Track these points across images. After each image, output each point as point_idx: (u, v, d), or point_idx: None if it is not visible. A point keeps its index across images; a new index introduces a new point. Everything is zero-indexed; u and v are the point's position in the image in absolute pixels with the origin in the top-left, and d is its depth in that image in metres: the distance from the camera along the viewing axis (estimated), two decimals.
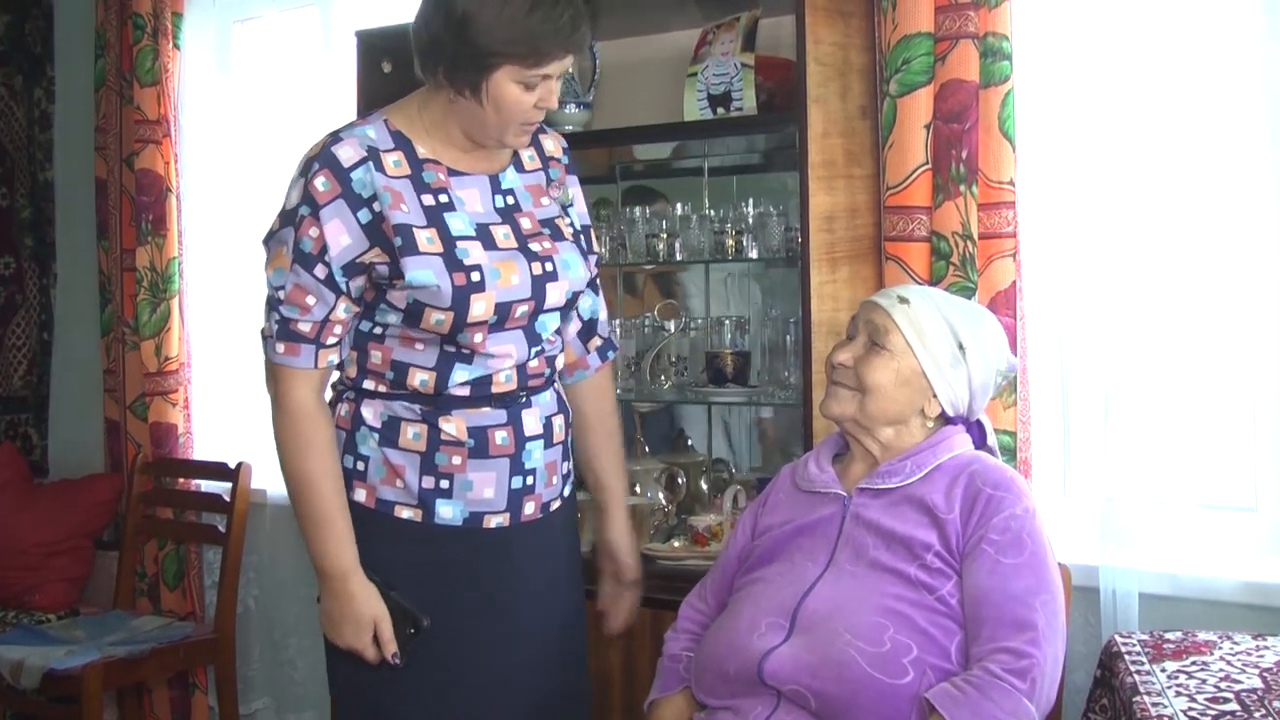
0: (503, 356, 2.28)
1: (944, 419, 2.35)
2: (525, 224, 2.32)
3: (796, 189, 2.87)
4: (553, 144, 2.46)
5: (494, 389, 2.30)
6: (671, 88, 3.29)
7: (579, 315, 2.50)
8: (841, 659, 2.11)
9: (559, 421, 2.41)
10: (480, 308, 2.21)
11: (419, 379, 2.27)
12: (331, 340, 2.25)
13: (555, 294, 2.31)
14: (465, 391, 2.28)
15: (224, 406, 4.33)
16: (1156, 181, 2.83)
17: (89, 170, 4.52)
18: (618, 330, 3.33)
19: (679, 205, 3.34)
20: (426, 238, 2.21)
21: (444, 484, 2.29)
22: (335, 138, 2.24)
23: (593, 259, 2.45)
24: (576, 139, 3.34)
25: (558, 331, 2.41)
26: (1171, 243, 2.85)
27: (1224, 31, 2.80)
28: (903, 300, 2.33)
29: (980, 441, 2.40)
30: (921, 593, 2.18)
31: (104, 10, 4.37)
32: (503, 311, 2.24)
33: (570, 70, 3.29)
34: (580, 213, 2.48)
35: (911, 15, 2.86)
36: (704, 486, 3.38)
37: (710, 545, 3.02)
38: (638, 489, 3.25)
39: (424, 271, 2.19)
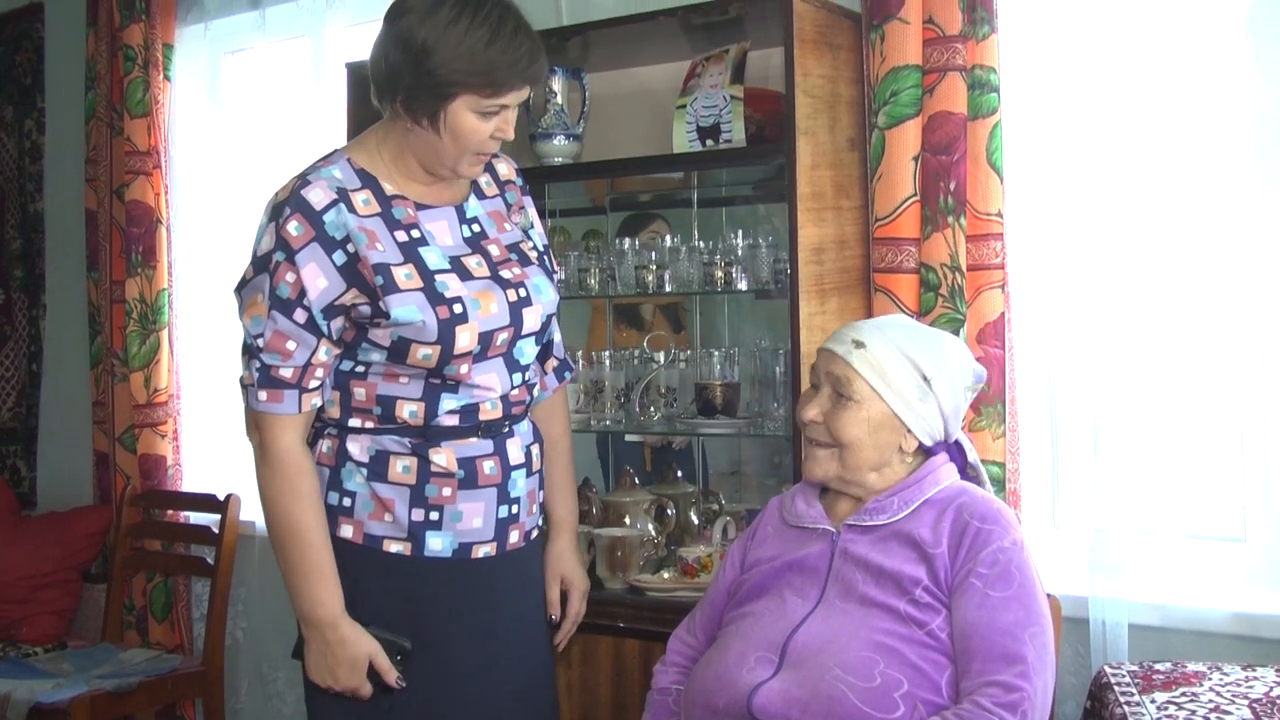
0: (488, 386, 2.29)
1: (923, 449, 2.35)
2: (494, 251, 2.35)
3: (785, 221, 2.88)
4: (505, 167, 2.48)
5: (481, 417, 2.31)
6: (660, 120, 3.30)
7: None
8: (832, 694, 2.10)
9: (536, 450, 2.44)
10: (465, 339, 2.22)
11: (408, 410, 2.27)
12: (314, 384, 2.23)
13: (531, 319, 2.33)
14: (454, 421, 2.29)
15: (213, 438, 4.32)
16: (1143, 212, 2.84)
17: (79, 201, 4.52)
18: (607, 362, 3.34)
19: (668, 237, 3.34)
20: (405, 274, 2.21)
21: (434, 516, 2.29)
22: (303, 180, 2.23)
23: (556, 278, 2.47)
24: (566, 170, 3.36)
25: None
26: (1159, 274, 2.86)
27: (1211, 62, 2.82)
28: (858, 344, 2.31)
29: (960, 460, 2.40)
30: (911, 627, 2.17)
31: (95, 42, 4.38)
32: (485, 341, 2.25)
33: (560, 102, 3.32)
34: (540, 234, 2.51)
35: (899, 48, 2.87)
36: (694, 518, 3.37)
37: (700, 577, 3.02)
38: (627, 520, 3.24)
39: (408, 308, 2.19)
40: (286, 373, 2.21)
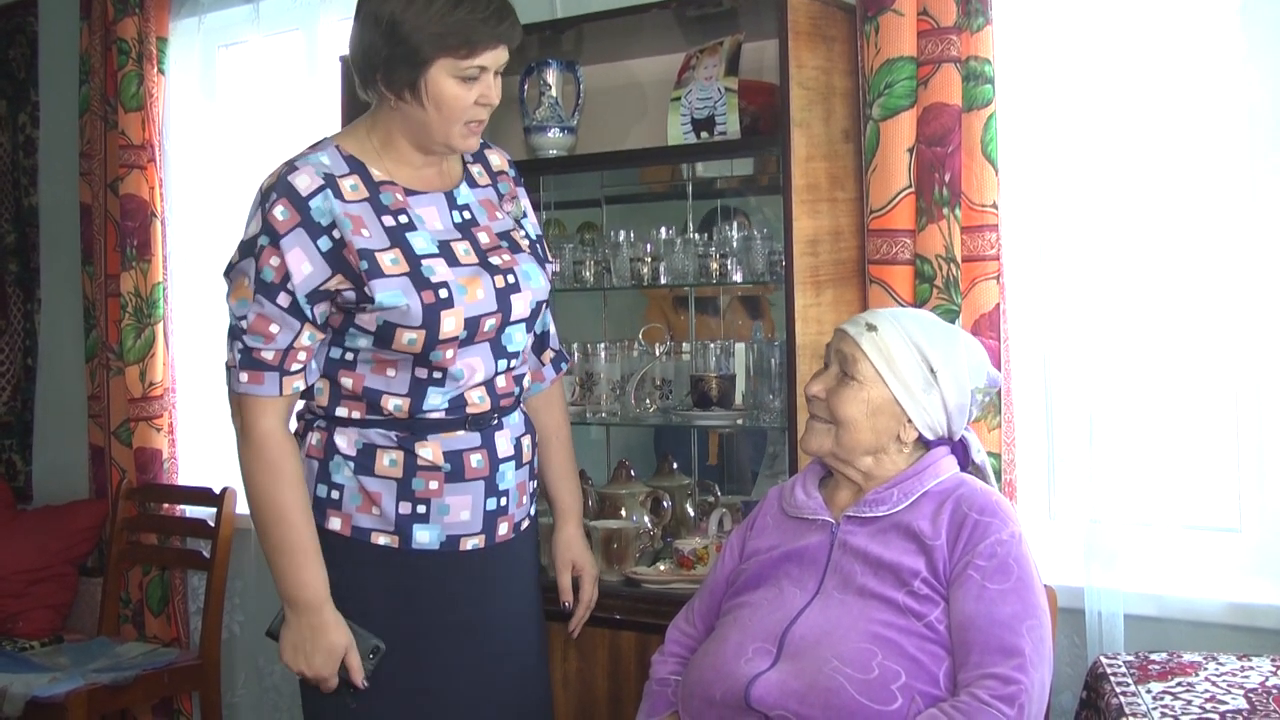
0: (471, 372, 2.29)
1: (923, 443, 2.35)
2: (483, 238, 2.35)
3: (780, 213, 2.88)
4: (498, 159, 2.51)
5: (469, 409, 2.31)
6: (655, 112, 3.30)
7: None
8: (829, 685, 2.11)
9: (527, 442, 2.45)
10: (451, 324, 2.23)
11: (393, 404, 2.28)
12: (295, 367, 2.25)
13: (520, 305, 2.33)
14: (441, 414, 2.29)
15: (208, 432, 4.31)
16: (1139, 203, 2.84)
17: (73, 195, 4.51)
18: (601, 354, 3.34)
19: (663, 229, 3.34)
20: (390, 259, 2.22)
21: (421, 509, 2.30)
22: (291, 167, 2.25)
23: (549, 268, 2.47)
24: (561, 163, 3.36)
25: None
26: (1154, 264, 2.87)
27: (1205, 55, 2.82)
28: (870, 327, 2.32)
29: (965, 459, 2.40)
30: (910, 619, 2.17)
31: (88, 36, 4.37)
32: (472, 326, 2.26)
33: (555, 94, 3.31)
34: (533, 223, 2.51)
35: (894, 39, 2.87)
36: (689, 510, 3.38)
37: (696, 569, 3.02)
38: (623, 512, 3.25)
39: (392, 292, 2.19)
40: (268, 355, 2.23)
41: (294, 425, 2.36)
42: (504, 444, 2.37)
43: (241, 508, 3.98)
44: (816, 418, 2.36)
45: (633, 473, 3.36)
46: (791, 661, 2.17)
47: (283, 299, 2.21)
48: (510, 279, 2.32)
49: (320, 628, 2.26)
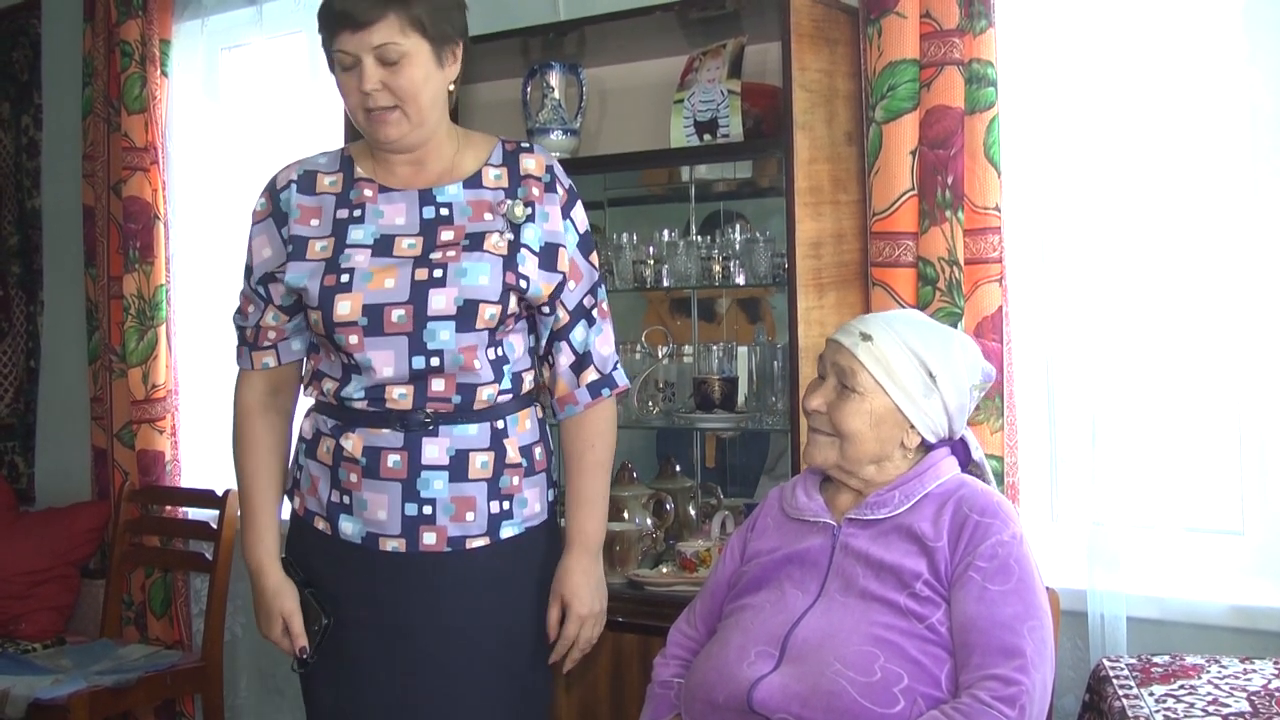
0: (380, 363, 2.26)
1: (925, 445, 2.35)
2: (446, 236, 2.30)
3: (783, 215, 2.88)
4: (533, 163, 2.38)
5: (389, 406, 2.28)
6: (658, 114, 3.30)
7: (572, 347, 2.39)
8: (832, 689, 2.11)
9: (483, 458, 2.31)
10: (345, 308, 2.24)
11: (326, 387, 2.34)
12: (265, 344, 2.41)
13: (440, 300, 2.24)
14: (364, 405, 2.29)
15: (211, 434, 4.31)
16: (1141, 206, 2.84)
17: (76, 197, 4.52)
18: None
19: (666, 231, 3.34)
20: (321, 245, 2.31)
21: (345, 500, 2.33)
22: (286, 166, 2.41)
23: (547, 282, 2.33)
24: (563, 165, 3.35)
25: (496, 362, 2.31)
26: (1157, 267, 2.86)
27: (1208, 57, 2.82)
28: (865, 337, 2.31)
29: (965, 458, 2.40)
30: (911, 621, 2.17)
31: (92, 38, 4.38)
32: (374, 314, 2.24)
33: (557, 97, 3.31)
34: (547, 232, 2.34)
35: (897, 42, 2.87)
36: (692, 512, 3.38)
37: (699, 571, 3.02)
38: (625, 515, 3.25)
39: (298, 275, 2.30)
40: (246, 332, 2.43)
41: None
42: (434, 451, 2.28)
43: None
44: (818, 431, 2.35)
45: (635, 475, 3.36)
46: (794, 665, 2.17)
47: (252, 280, 2.39)
48: (438, 273, 2.24)
49: (262, 591, 2.38)
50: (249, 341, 2.42)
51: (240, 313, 2.43)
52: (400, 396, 2.27)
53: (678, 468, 3.47)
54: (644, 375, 3.33)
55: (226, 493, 3.99)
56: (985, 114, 2.84)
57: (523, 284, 2.29)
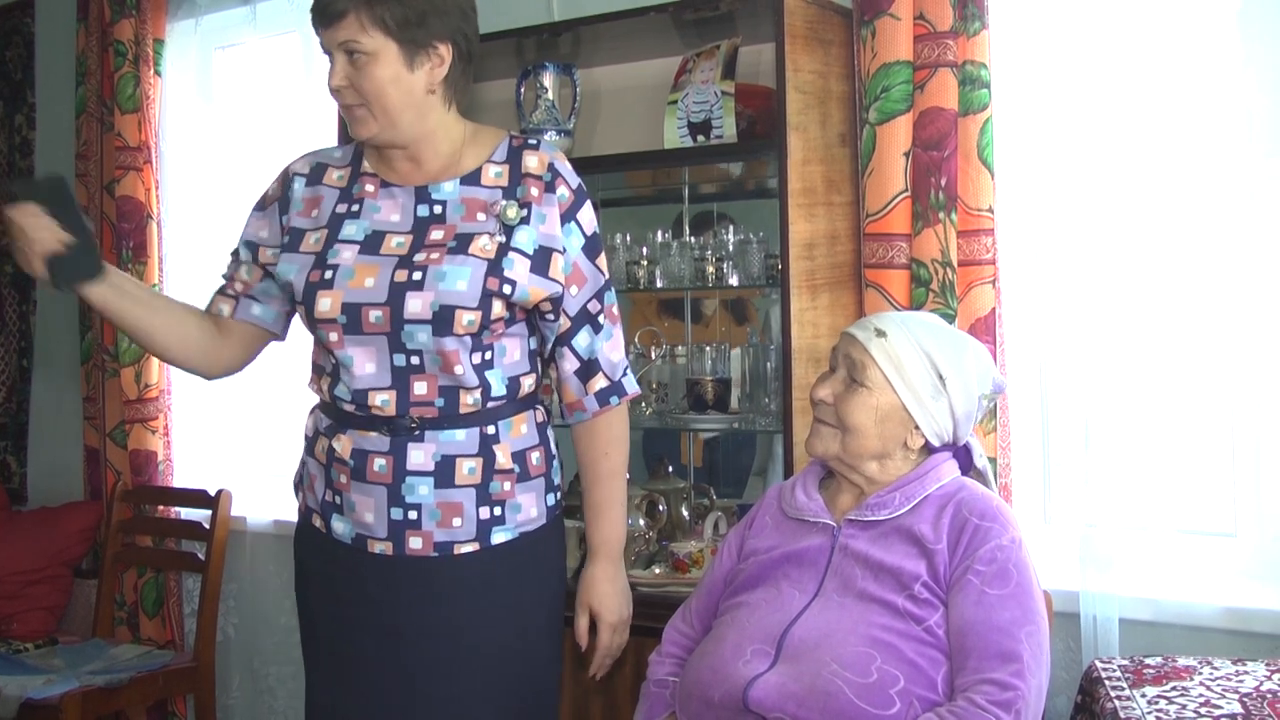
0: (360, 362, 2.26)
1: (928, 448, 2.35)
2: (436, 235, 2.28)
3: (776, 216, 2.88)
4: (535, 161, 2.34)
5: (373, 410, 2.27)
6: (652, 115, 3.30)
7: (575, 353, 2.37)
8: (828, 689, 2.10)
9: (470, 464, 2.29)
10: (326, 304, 2.25)
11: (320, 385, 2.36)
12: (229, 293, 2.47)
13: (417, 304, 2.21)
14: (351, 408, 2.30)
15: (204, 434, 4.32)
16: (1135, 209, 2.85)
17: None
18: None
19: (659, 233, 3.34)
20: (315, 239, 2.33)
21: (336, 500, 2.34)
22: (303, 155, 2.46)
23: (539, 288, 2.29)
24: None
25: (480, 368, 2.28)
26: (1151, 270, 2.87)
27: (1203, 60, 2.82)
28: (880, 333, 2.31)
29: (968, 463, 2.40)
30: (909, 623, 2.17)
31: (85, 37, 4.37)
32: (352, 313, 2.24)
33: (551, 97, 3.31)
34: (542, 234, 2.30)
35: (890, 44, 2.87)
36: (685, 513, 3.37)
37: (691, 572, 3.02)
38: None
39: (288, 267, 2.33)
40: (224, 281, 2.49)
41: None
42: (419, 457, 2.27)
43: (237, 510, 4.01)
44: (822, 422, 2.36)
45: (628, 476, 3.36)
46: (790, 664, 2.16)
47: (242, 244, 2.47)
48: (416, 275, 2.23)
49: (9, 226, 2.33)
50: (220, 290, 2.48)
51: (225, 268, 2.50)
52: (383, 403, 2.27)
53: (670, 469, 3.47)
54: (637, 376, 3.32)
55: (219, 493, 3.98)
56: (979, 116, 2.84)
57: (506, 289, 2.25)
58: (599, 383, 2.40)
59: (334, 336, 2.26)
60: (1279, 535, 2.77)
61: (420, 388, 2.26)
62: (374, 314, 2.23)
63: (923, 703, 2.11)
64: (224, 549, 4.01)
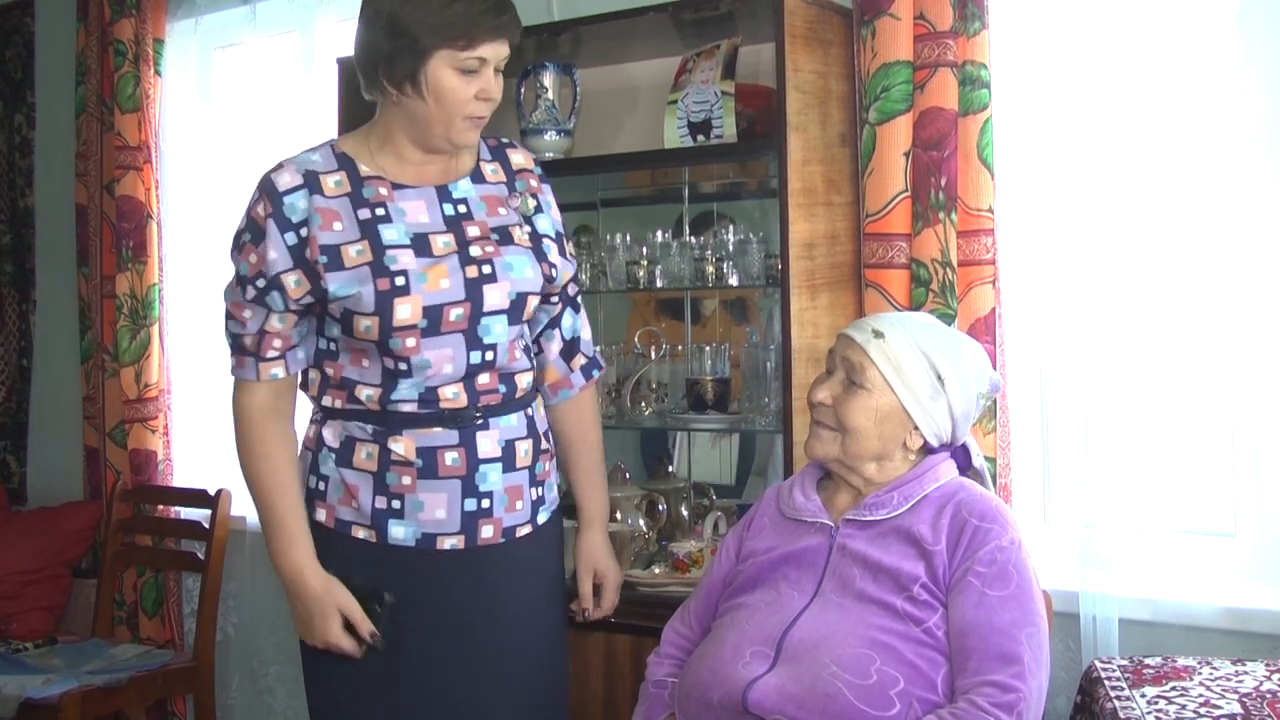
0: (440, 363, 2.28)
1: (926, 449, 2.35)
2: (473, 231, 2.34)
3: (776, 216, 2.88)
4: (521, 158, 2.50)
5: (442, 405, 2.31)
6: (652, 115, 3.30)
7: (560, 334, 2.52)
8: (827, 691, 2.10)
9: (525, 446, 2.39)
10: (405, 311, 2.24)
11: (364, 394, 2.32)
12: (271, 354, 2.33)
13: (495, 295, 2.31)
14: (413, 408, 2.30)
15: (204, 433, 4.31)
16: (1135, 209, 2.85)
17: (69, 196, 4.51)
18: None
19: (659, 232, 3.34)
20: (356, 250, 2.27)
21: (395, 504, 2.32)
22: (278, 165, 2.34)
23: (566, 269, 2.47)
24: (557, 166, 3.36)
25: (527, 349, 2.43)
26: (1150, 270, 2.87)
27: (1202, 61, 2.82)
28: (877, 334, 2.32)
29: (965, 463, 2.40)
30: (908, 625, 2.17)
31: (85, 36, 4.37)
32: (433, 315, 2.26)
33: (551, 97, 3.31)
34: (552, 220, 2.47)
35: (891, 44, 2.87)
36: (684, 513, 3.37)
37: (691, 572, 3.02)
38: (618, 515, 3.24)
39: (345, 283, 2.26)
40: (247, 340, 2.34)
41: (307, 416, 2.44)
42: (488, 444, 2.34)
43: (236, 510, 4.01)
44: (821, 424, 2.36)
45: (628, 476, 3.36)
46: (789, 665, 2.16)
47: (255, 287, 2.30)
48: (486, 269, 2.31)
49: (306, 594, 2.29)
50: (252, 351, 2.33)
51: (235, 321, 2.34)
52: (454, 395, 2.31)
53: (670, 468, 3.47)
54: (636, 376, 3.32)
55: (219, 492, 3.99)
56: (979, 116, 2.84)
57: (553, 273, 2.41)
58: (580, 359, 2.57)
59: (411, 342, 2.26)
60: (1278, 535, 2.77)
61: (484, 378, 2.33)
62: (454, 312, 2.28)
63: (922, 704, 2.11)
64: (224, 549, 4.01)
